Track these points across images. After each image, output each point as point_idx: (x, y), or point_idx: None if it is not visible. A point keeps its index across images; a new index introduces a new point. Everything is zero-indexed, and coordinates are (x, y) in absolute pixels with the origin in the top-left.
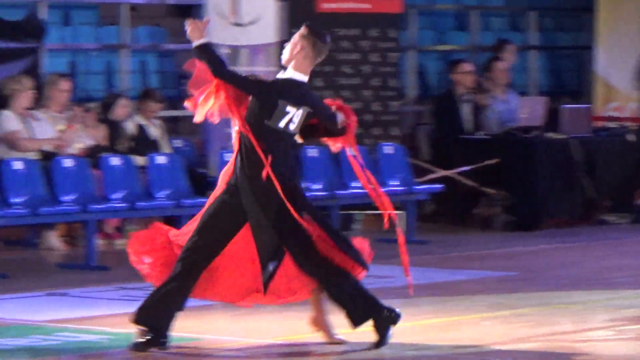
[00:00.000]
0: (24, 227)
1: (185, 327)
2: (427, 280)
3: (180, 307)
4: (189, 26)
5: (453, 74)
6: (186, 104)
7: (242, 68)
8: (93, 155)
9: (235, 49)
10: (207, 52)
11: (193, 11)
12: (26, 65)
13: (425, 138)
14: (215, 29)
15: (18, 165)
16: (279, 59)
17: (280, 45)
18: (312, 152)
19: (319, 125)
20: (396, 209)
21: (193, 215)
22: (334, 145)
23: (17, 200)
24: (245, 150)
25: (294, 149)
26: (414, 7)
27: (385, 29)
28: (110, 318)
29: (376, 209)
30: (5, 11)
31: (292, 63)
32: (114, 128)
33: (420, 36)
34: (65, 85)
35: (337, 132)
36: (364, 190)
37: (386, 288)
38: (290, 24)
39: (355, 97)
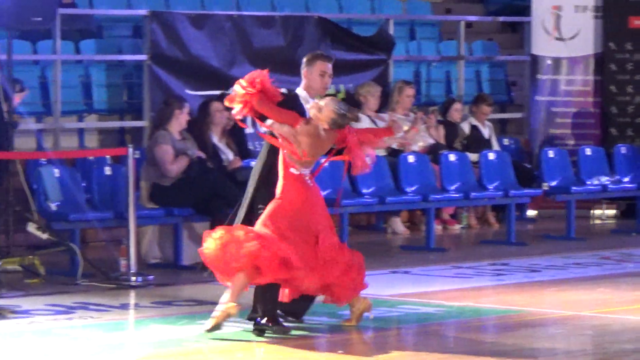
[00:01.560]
0: (372, 214)
1: (511, 301)
2: None
3: None
4: None
5: None
6: None
7: (563, 77)
8: (433, 152)
9: (557, 60)
10: None
11: (521, 27)
12: (376, 74)
13: None
14: (540, 42)
15: None
16: (595, 69)
17: (596, 57)
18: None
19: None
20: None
21: (520, 205)
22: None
23: (367, 190)
24: None
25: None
26: None
27: None
28: (446, 293)
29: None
30: (360, 28)
31: None
32: (451, 129)
33: None
34: (410, 91)
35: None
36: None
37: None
38: (605, 38)
39: None
